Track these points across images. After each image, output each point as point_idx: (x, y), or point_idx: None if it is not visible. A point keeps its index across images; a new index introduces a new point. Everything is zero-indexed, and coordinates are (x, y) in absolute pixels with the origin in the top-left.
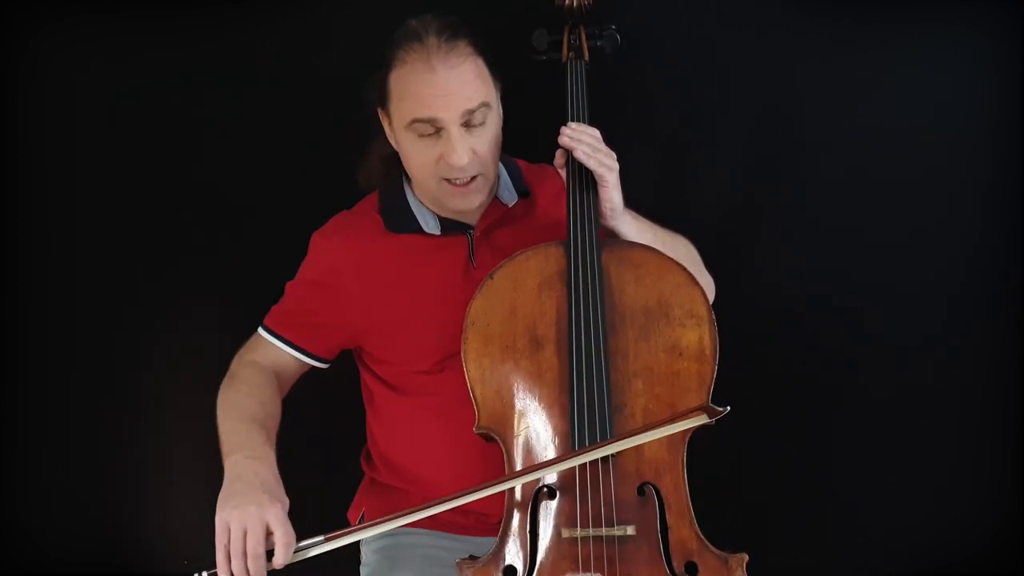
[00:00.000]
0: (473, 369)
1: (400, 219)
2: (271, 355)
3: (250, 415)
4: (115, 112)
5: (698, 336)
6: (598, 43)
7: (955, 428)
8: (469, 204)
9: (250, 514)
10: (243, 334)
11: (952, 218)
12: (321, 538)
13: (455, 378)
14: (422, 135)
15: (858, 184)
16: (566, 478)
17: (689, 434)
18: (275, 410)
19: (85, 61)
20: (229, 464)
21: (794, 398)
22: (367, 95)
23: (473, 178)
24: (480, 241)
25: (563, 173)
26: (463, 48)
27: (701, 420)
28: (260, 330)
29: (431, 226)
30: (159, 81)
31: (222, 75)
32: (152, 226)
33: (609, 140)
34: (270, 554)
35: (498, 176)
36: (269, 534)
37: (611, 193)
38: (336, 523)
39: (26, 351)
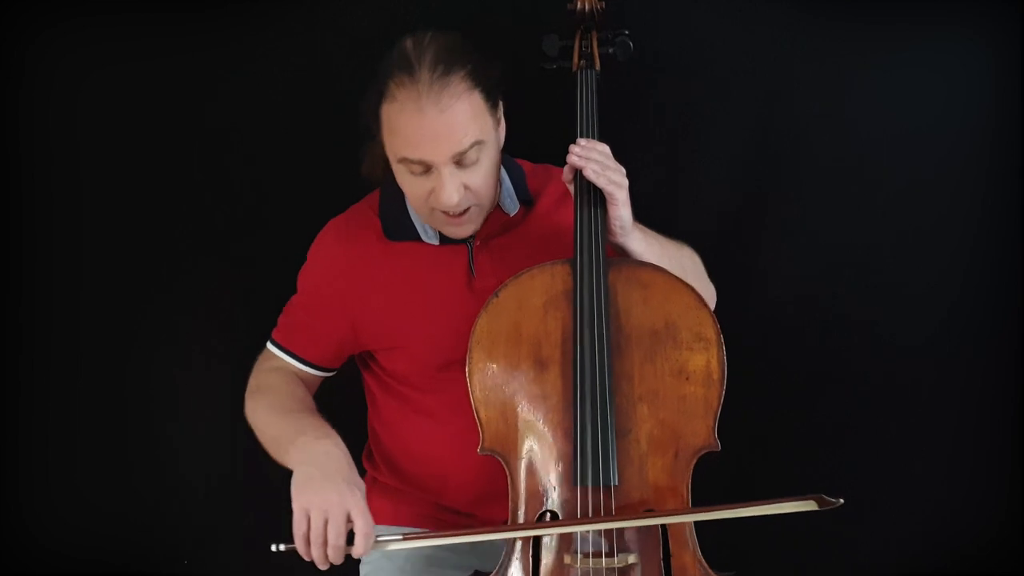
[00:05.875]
0: (478, 390)
1: (399, 227)
2: (283, 367)
3: (294, 406)
4: (117, 116)
5: (706, 360)
6: (610, 50)
7: (956, 430)
8: (463, 233)
9: (332, 503)
10: (246, 334)
11: (952, 219)
12: (399, 536)
13: (456, 385)
14: (413, 172)
15: (859, 185)
16: (569, 504)
17: (695, 460)
18: (312, 405)
19: (87, 65)
20: (296, 450)
21: (793, 399)
22: (361, 120)
23: (467, 209)
24: (480, 250)
25: (571, 188)
26: (456, 85)
27: (809, 507)
28: (268, 344)
29: (430, 236)
30: (162, 85)
31: (224, 78)
32: (154, 227)
33: (613, 143)
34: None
35: (499, 183)
36: (348, 521)
37: (620, 210)
38: None
39: (28, 351)
